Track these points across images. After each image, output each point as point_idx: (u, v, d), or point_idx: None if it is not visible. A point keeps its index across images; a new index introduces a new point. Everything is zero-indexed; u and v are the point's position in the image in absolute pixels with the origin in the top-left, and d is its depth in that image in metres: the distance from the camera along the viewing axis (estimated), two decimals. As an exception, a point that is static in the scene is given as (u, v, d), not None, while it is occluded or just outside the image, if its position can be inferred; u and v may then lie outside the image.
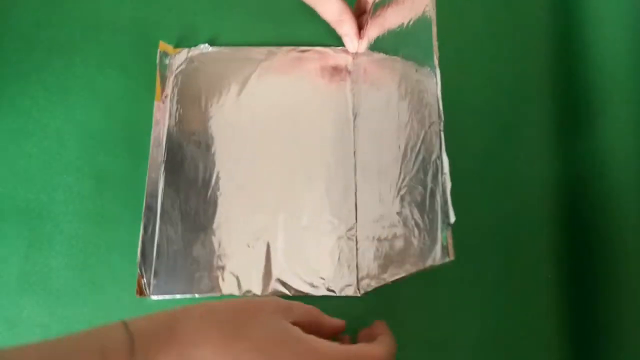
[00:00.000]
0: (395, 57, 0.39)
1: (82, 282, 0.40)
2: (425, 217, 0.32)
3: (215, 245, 0.41)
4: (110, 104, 0.45)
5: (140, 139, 0.43)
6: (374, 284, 0.37)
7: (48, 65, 0.46)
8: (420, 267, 0.31)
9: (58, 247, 0.41)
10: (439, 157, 0.30)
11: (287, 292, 0.39)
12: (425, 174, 0.32)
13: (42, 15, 0.47)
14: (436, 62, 0.31)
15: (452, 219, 0.28)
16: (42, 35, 0.47)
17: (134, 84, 0.45)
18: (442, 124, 0.30)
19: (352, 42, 0.45)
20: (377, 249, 0.38)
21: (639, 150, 0.40)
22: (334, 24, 0.44)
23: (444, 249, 0.29)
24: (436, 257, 0.30)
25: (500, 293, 0.40)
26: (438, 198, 0.30)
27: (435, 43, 0.31)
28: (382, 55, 0.41)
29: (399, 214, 0.35)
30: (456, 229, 0.42)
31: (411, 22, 0.35)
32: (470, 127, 0.45)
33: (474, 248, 0.41)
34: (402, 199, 0.35)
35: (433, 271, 0.40)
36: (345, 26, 0.44)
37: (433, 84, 0.31)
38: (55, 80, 0.45)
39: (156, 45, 0.46)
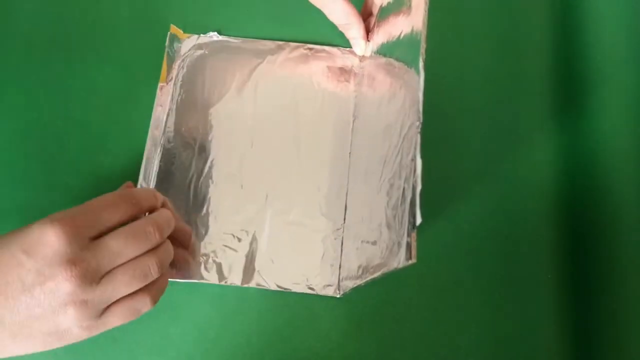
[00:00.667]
0: (391, 59, 0.39)
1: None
2: (396, 219, 0.32)
3: (202, 232, 0.41)
4: (110, 103, 0.45)
5: (140, 139, 0.43)
6: (351, 285, 0.38)
7: (48, 65, 0.46)
8: (389, 268, 0.31)
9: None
10: (414, 158, 0.30)
11: (267, 286, 0.40)
12: (400, 176, 0.32)
13: (42, 15, 0.47)
14: (421, 64, 0.31)
15: (419, 221, 0.28)
16: (42, 35, 0.47)
17: (135, 83, 0.45)
18: (420, 125, 0.30)
19: (360, 45, 0.45)
20: (358, 250, 0.38)
21: (639, 150, 0.40)
22: (341, 27, 0.44)
23: (408, 251, 0.29)
24: (400, 259, 0.30)
25: (500, 293, 0.40)
26: (408, 200, 0.30)
27: (423, 45, 0.31)
28: (384, 59, 0.41)
29: (379, 216, 0.35)
30: (456, 229, 0.42)
31: (408, 30, 0.35)
32: (469, 127, 0.45)
33: (474, 248, 0.41)
34: (381, 201, 0.35)
35: (432, 272, 0.40)
36: (352, 29, 0.44)
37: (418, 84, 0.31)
38: (55, 80, 0.45)
39: (156, 41, 0.46)
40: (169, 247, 0.34)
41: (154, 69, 0.45)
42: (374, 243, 0.35)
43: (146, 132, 0.43)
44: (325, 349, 0.39)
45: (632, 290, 0.37)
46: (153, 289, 0.33)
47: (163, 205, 0.36)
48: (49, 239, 0.29)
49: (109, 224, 0.32)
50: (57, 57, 0.46)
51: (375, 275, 0.33)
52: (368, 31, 0.45)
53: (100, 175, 0.43)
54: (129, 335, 0.39)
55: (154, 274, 0.32)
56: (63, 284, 0.29)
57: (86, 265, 0.30)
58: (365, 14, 0.45)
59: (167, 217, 0.35)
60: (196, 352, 0.39)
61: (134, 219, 0.33)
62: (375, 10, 0.44)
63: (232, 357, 0.39)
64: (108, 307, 0.31)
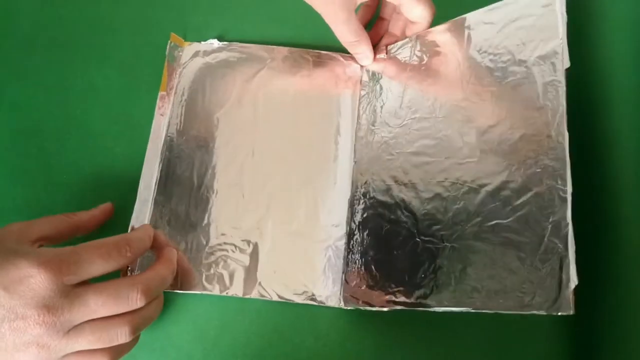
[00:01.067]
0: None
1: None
2: (525, 266, 0.31)
3: (203, 243, 0.40)
4: (111, 103, 0.45)
5: (140, 139, 0.43)
6: (366, 298, 0.38)
7: (48, 65, 0.46)
8: (527, 310, 0.30)
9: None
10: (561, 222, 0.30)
11: (269, 297, 0.39)
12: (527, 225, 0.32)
13: (42, 15, 0.47)
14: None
15: (575, 280, 0.29)
16: (42, 35, 0.47)
17: (135, 84, 0.45)
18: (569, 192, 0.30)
19: (368, 59, 0.44)
20: (370, 266, 0.38)
21: (639, 147, 0.40)
22: (348, 46, 0.43)
23: (563, 300, 0.29)
24: (553, 306, 0.29)
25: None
26: (553, 254, 0.30)
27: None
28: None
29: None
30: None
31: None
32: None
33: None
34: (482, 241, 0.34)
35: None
36: (360, 47, 0.43)
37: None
38: (55, 80, 0.45)
39: (157, 45, 0.46)
40: (150, 311, 0.34)
41: (154, 70, 0.45)
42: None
43: (146, 132, 0.43)
44: (325, 349, 0.39)
45: (632, 289, 0.37)
46: (114, 351, 0.33)
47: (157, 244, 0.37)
48: (31, 281, 0.30)
49: (95, 275, 0.32)
50: (57, 57, 0.46)
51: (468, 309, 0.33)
52: (375, 42, 0.44)
53: (100, 175, 0.43)
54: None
55: (122, 340, 0.32)
56: (33, 327, 0.30)
57: (59, 314, 0.30)
58: (368, 15, 0.45)
59: (160, 278, 0.35)
60: (196, 352, 0.39)
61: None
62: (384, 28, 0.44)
63: (232, 357, 0.39)
64: (67, 354, 0.31)
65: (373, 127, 0.43)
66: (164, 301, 0.39)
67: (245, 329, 0.39)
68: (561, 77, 0.33)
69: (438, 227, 0.36)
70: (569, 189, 0.31)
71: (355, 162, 0.43)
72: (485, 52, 0.38)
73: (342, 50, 0.45)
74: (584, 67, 0.45)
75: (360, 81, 0.45)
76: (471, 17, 0.40)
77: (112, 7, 0.48)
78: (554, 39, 0.34)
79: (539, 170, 0.33)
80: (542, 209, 0.32)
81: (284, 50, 0.46)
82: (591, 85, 0.44)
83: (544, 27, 0.35)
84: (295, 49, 0.46)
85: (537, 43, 0.35)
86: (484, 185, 0.35)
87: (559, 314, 0.29)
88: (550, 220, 0.31)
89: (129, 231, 0.40)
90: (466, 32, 0.39)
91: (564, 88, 0.33)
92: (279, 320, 0.39)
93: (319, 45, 0.47)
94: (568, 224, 0.30)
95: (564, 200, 0.31)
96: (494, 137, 0.35)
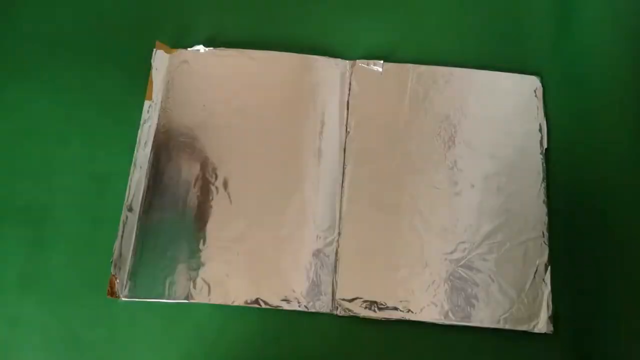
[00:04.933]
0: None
1: (82, 282, 0.40)
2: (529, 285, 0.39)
3: (191, 250, 0.40)
4: (110, 103, 0.45)
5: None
6: (355, 307, 0.39)
7: (48, 65, 0.46)
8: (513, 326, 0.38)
9: (58, 247, 0.41)
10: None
11: (257, 304, 0.39)
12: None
13: (42, 15, 0.47)
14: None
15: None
16: (42, 35, 0.47)
17: (134, 84, 0.45)
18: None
19: None
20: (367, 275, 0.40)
21: (637, 150, 0.40)
22: None
23: (549, 319, 0.38)
24: (535, 325, 0.38)
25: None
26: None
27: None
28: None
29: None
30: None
31: None
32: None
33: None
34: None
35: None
36: None
37: None
38: (55, 80, 0.45)
39: (154, 45, 0.46)
40: None
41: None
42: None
43: (146, 132, 0.43)
44: (325, 347, 0.39)
45: (631, 288, 0.37)
46: None
47: None
48: None
49: None
50: (57, 58, 0.46)
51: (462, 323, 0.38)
52: None
53: (100, 175, 0.43)
54: (129, 335, 0.39)
55: None
56: None
57: None
58: None
59: None
60: (196, 352, 0.39)
61: None
62: None
63: (233, 356, 0.39)
64: None
65: None
66: (164, 303, 0.39)
67: (245, 329, 0.39)
68: None
69: None
70: None
71: (344, 167, 0.42)
72: None
73: (329, 53, 0.45)
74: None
75: (349, 84, 0.45)
76: None
77: (112, 7, 0.48)
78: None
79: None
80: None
81: (272, 54, 0.45)
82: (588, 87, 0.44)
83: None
84: (281, 52, 0.45)
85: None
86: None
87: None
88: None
89: (115, 244, 0.40)
90: None
91: None
92: (279, 321, 0.39)
93: (307, 50, 0.46)
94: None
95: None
96: None
